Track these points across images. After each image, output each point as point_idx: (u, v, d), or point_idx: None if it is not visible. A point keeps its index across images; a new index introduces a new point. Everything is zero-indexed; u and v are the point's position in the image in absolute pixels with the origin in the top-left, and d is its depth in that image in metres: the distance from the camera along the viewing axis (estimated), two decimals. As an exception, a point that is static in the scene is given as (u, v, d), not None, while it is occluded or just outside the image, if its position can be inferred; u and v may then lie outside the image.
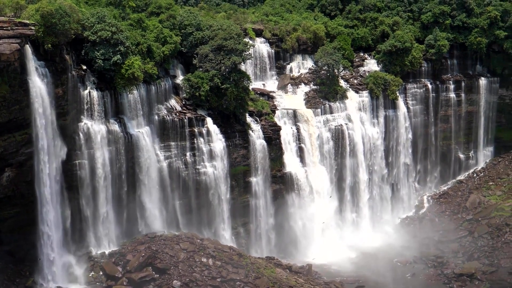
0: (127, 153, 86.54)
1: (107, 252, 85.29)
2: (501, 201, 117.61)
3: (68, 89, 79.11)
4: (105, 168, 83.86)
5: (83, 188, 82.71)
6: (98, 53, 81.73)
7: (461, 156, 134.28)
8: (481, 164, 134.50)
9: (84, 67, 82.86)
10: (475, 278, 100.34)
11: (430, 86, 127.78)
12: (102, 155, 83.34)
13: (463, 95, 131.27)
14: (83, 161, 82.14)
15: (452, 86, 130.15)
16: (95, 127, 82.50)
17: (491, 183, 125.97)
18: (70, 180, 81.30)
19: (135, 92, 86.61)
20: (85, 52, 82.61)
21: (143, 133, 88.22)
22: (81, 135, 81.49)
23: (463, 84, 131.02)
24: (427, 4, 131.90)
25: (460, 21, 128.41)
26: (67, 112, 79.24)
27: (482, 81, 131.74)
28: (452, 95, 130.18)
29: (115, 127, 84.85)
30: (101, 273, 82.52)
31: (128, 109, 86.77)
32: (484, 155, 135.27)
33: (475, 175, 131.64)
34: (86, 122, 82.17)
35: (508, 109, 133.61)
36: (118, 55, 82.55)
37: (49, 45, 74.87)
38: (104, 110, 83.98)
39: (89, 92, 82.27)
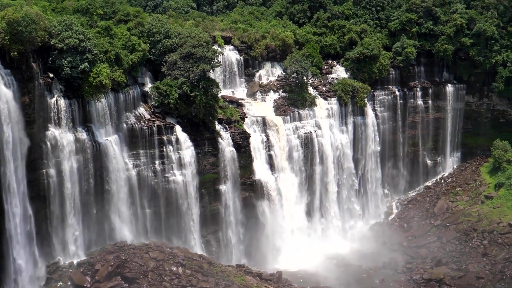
0: (95, 161, 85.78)
1: (75, 262, 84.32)
2: (469, 207, 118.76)
3: (35, 97, 78.23)
4: (73, 177, 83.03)
5: (50, 197, 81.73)
6: (65, 61, 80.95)
7: (429, 162, 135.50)
8: (449, 170, 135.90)
9: (51, 75, 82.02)
10: (444, 283, 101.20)
11: (397, 93, 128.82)
12: (69, 164, 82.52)
13: (430, 101, 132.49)
14: (50, 170, 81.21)
15: (419, 93, 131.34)
16: (62, 136, 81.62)
17: (458, 188, 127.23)
18: (37, 190, 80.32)
19: (103, 100, 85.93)
20: (52, 60, 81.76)
21: (111, 142, 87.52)
22: (48, 143, 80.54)
23: (430, 91, 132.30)
24: (394, 12, 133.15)
25: (427, 29, 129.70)
26: (34, 121, 78.35)
27: (449, 88, 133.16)
28: (420, 102, 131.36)
29: (83, 135, 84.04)
30: (69, 283, 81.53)
31: (96, 117, 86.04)
32: (451, 161, 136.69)
33: (442, 181, 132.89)
34: (53, 131, 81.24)
35: (475, 116, 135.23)
36: (86, 63, 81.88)
37: (15, 53, 74.06)
38: (72, 119, 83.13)
39: (56, 100, 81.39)
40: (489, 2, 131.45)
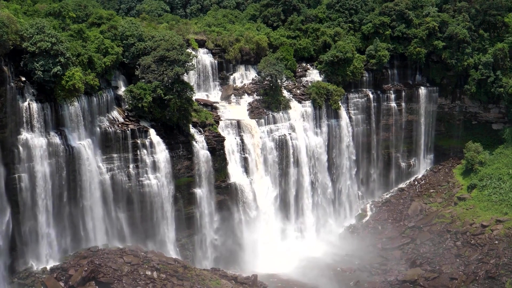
0: (68, 165, 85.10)
1: (48, 267, 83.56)
2: (442, 208, 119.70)
3: (7, 101, 77.55)
4: (46, 182, 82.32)
5: (23, 202, 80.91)
6: (38, 64, 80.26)
7: (402, 164, 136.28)
8: (422, 172, 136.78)
9: (23, 79, 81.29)
10: (418, 285, 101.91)
11: (371, 96, 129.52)
12: (42, 168, 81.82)
13: (403, 104, 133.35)
14: (22, 174, 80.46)
15: (393, 96, 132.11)
16: (35, 140, 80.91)
17: (431, 190, 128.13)
18: (10, 194, 79.45)
19: (76, 103, 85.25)
20: (24, 64, 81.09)
21: (84, 146, 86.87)
22: (20, 148, 79.81)
23: (403, 93, 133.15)
24: (368, 15, 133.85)
25: (400, 32, 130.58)
26: (5, 125, 77.73)
27: (422, 91, 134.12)
28: (393, 104, 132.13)
29: (56, 139, 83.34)
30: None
31: (69, 121, 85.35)
32: (424, 163, 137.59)
33: (416, 182, 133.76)
34: (25, 135, 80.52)
35: (447, 118, 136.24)
36: (58, 66, 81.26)
37: (-14, 57, 73.37)
38: (44, 123, 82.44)
39: (29, 104, 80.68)
40: (461, 5, 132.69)
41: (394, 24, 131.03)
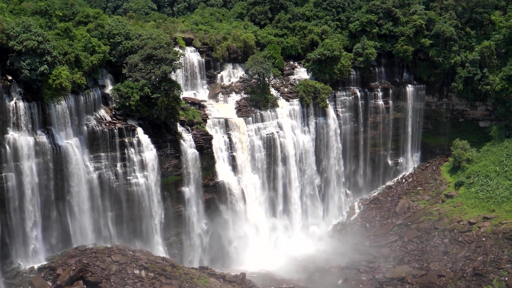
0: (56, 165, 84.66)
1: (36, 267, 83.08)
2: (429, 206, 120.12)
3: (-7, 100, 77.14)
4: (33, 181, 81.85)
5: (10, 201, 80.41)
6: (24, 63, 79.75)
7: (390, 161, 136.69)
8: (409, 170, 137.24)
9: (10, 78, 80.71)
10: (406, 282, 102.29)
11: (359, 94, 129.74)
12: (29, 167, 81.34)
13: (391, 102, 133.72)
14: (9, 174, 79.94)
15: (380, 94, 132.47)
16: (22, 139, 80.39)
17: (419, 188, 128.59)
18: (-3, 194, 79.17)
19: (63, 102, 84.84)
20: (10, 62, 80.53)
21: (72, 144, 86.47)
22: (7, 147, 79.30)
23: (390, 91, 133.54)
24: (355, 13, 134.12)
25: (387, 30, 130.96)
26: (-8, 124, 77.22)
27: (409, 88, 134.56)
28: (380, 102, 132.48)
29: (43, 138, 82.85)
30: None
31: (56, 120, 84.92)
32: (412, 161, 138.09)
33: (403, 180, 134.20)
34: (12, 134, 79.96)
35: (434, 115, 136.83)
36: (45, 65, 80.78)
37: (-28, 55, 72.89)
38: (31, 121, 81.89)
39: (15, 103, 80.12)
40: (447, 3, 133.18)
41: (381, 22, 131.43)
